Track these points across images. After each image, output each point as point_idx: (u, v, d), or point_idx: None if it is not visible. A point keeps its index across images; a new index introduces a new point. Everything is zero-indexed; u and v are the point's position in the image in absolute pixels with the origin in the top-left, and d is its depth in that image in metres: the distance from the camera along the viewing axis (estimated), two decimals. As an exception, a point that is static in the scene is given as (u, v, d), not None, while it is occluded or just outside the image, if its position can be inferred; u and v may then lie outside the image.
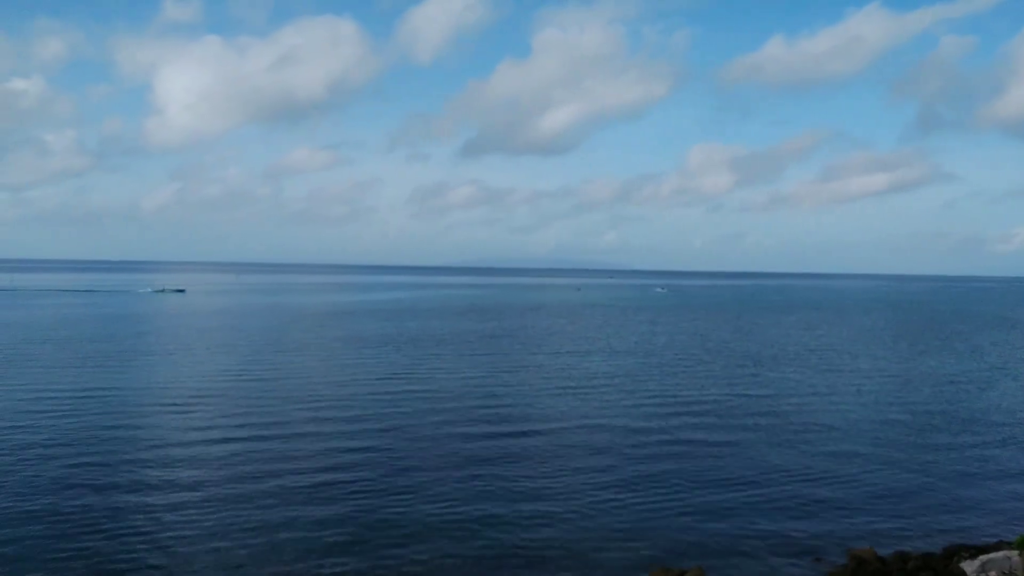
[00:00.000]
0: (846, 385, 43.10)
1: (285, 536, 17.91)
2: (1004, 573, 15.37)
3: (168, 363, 47.39)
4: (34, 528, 18.20)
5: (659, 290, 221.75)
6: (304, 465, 23.41)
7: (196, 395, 36.30)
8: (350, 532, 17.95)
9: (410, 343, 60.40)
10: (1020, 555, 15.71)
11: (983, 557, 16.27)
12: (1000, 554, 16.24)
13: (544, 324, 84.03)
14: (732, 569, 16.94)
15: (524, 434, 29.12)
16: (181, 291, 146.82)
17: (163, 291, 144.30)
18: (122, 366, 45.14)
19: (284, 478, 22.14)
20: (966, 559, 16.57)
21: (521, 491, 21.99)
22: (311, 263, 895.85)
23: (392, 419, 30.93)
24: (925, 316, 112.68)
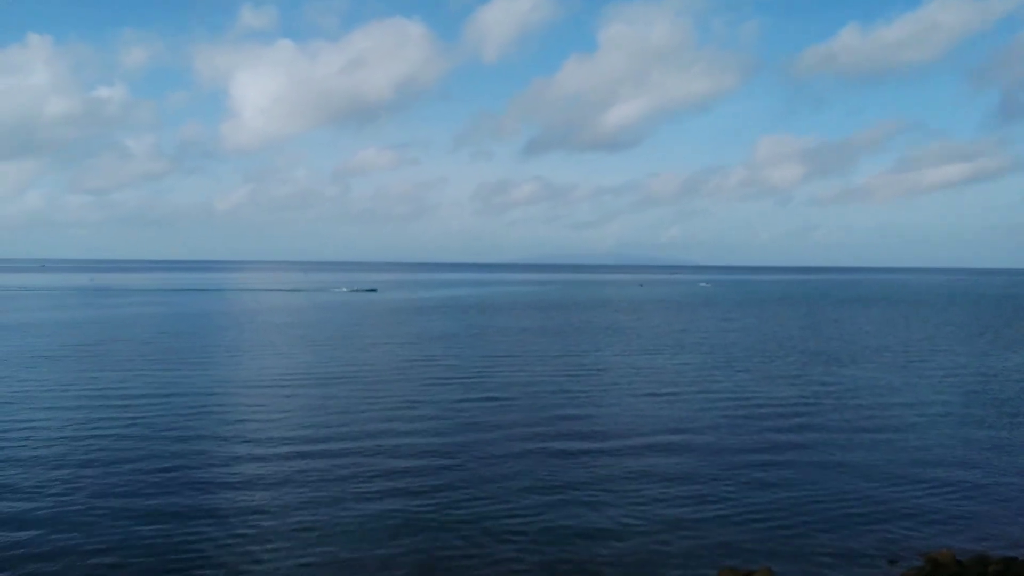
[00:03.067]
0: (924, 382, 41.65)
1: (346, 540, 18.18)
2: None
3: (238, 360, 48.82)
4: (118, 521, 19.00)
5: (703, 285, 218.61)
6: (367, 468, 23.48)
7: (260, 394, 37.31)
8: (413, 537, 17.96)
9: (476, 340, 60.86)
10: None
11: (1071, 563, 15.55)
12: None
13: (608, 320, 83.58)
14: (801, 570, 16.61)
15: (591, 432, 29.03)
16: (373, 290, 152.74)
17: (356, 290, 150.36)
18: (211, 360, 46.75)
19: (348, 482, 22.24)
20: (1052, 565, 15.87)
21: (586, 487, 21.94)
22: (376, 261, 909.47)
23: (459, 418, 30.98)
24: (1007, 311, 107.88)
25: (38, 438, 26.83)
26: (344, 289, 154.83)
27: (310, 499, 20.20)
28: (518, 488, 21.40)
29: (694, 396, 36.70)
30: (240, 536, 17.68)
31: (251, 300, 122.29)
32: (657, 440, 27.79)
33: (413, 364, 46.54)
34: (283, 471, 22.83)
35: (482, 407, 32.97)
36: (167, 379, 40.09)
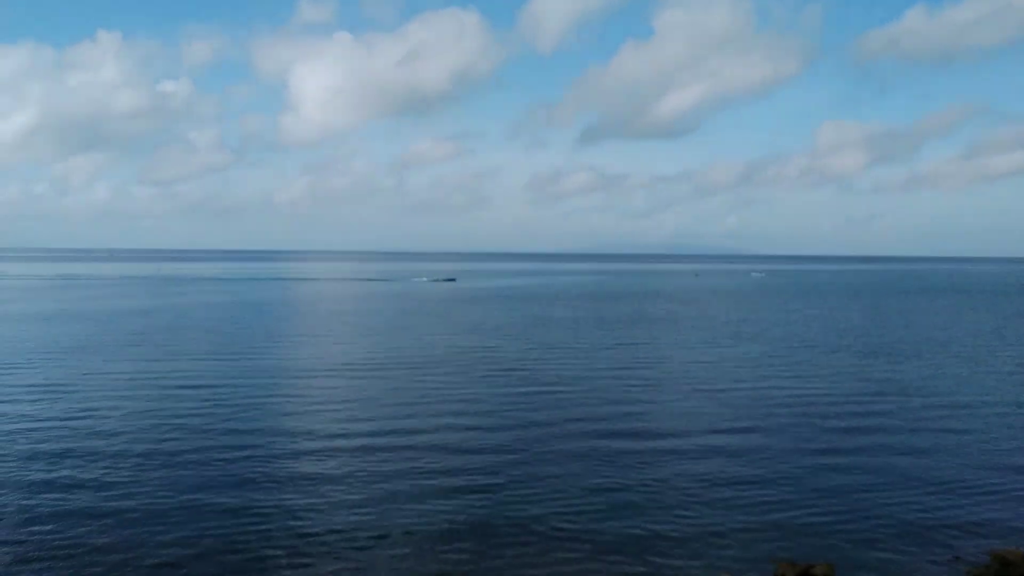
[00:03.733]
0: (993, 376, 40.30)
1: (401, 537, 18.42)
2: None
3: (303, 348, 49.97)
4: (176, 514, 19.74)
5: (756, 274, 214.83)
6: (423, 463, 23.46)
7: (321, 383, 38.12)
8: (469, 536, 17.97)
9: (532, 329, 61.07)
10: None
11: None
12: None
13: (664, 310, 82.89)
14: (863, 565, 16.37)
15: (648, 425, 28.95)
16: (452, 280, 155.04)
17: (436, 280, 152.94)
18: (276, 349, 48.04)
19: (404, 477, 22.30)
20: None
21: (642, 482, 21.90)
22: (431, 251, 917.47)
23: (515, 411, 30.91)
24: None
25: (104, 427, 27.92)
26: (424, 279, 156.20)
27: (366, 494, 20.26)
28: (574, 484, 21.25)
29: (753, 389, 36.23)
30: (297, 528, 17.95)
31: (329, 289, 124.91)
32: (715, 433, 27.57)
33: (470, 354, 46.96)
34: (340, 463, 23.06)
35: (538, 400, 32.94)
36: (231, 368, 41.32)
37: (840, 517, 19.15)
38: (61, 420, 28.11)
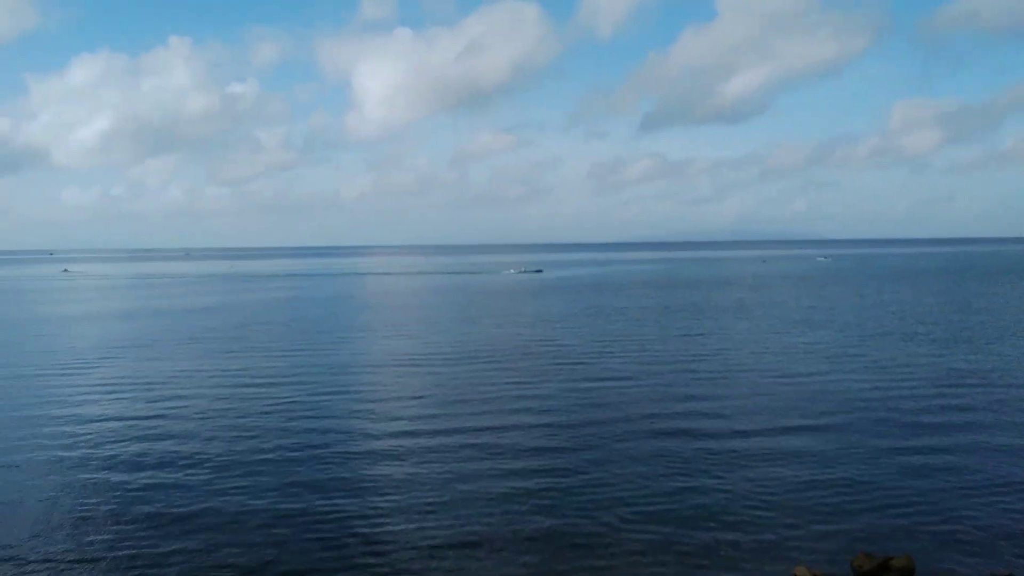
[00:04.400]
0: (1082, 362, 38.40)
1: (474, 521, 18.66)
2: None
3: (380, 339, 50.94)
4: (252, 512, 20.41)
5: (821, 259, 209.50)
6: (495, 449, 23.69)
7: (393, 372, 38.81)
8: (542, 520, 18.12)
9: (597, 319, 60.90)
10: None
11: None
12: None
13: (730, 297, 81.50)
14: (945, 558, 15.91)
15: (719, 414, 28.57)
16: (539, 271, 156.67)
17: (524, 271, 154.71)
18: (352, 340, 49.20)
19: (477, 462, 22.65)
20: None
21: (715, 470, 21.69)
22: (491, 243, 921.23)
23: (584, 399, 30.99)
24: None
25: (179, 426, 28.89)
26: (512, 271, 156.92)
27: (436, 495, 20.04)
28: (646, 485, 20.85)
29: (826, 380, 35.36)
30: (367, 529, 17.99)
31: (416, 284, 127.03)
32: (789, 422, 27.06)
33: (538, 343, 47.12)
34: (410, 463, 22.96)
35: (606, 389, 32.83)
36: (308, 363, 42.36)
37: (921, 508, 18.61)
38: (137, 418, 29.21)
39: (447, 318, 64.92)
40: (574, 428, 26.45)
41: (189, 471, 22.09)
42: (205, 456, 23.49)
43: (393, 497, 19.89)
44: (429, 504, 19.33)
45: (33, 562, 16.15)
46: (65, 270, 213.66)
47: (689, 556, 16.28)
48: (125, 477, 21.64)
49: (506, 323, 60.00)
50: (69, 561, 16.15)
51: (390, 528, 17.89)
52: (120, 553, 16.52)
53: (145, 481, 21.25)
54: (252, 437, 25.66)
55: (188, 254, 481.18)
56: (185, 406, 30.64)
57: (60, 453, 24.13)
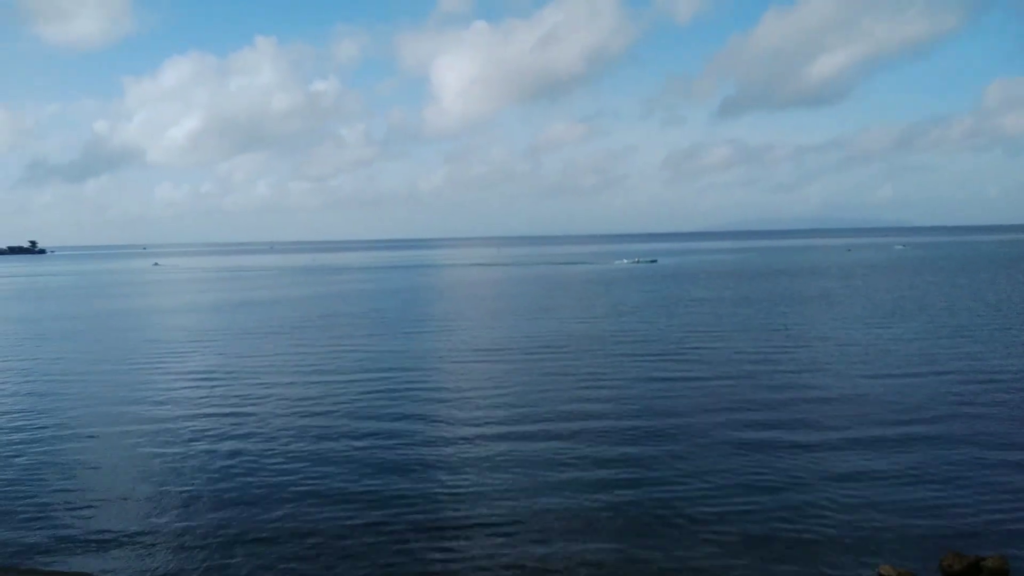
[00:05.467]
0: None
1: (544, 531, 18.63)
2: None
3: (444, 329, 51.60)
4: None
5: (898, 247, 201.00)
6: (566, 453, 23.14)
7: (467, 367, 39.20)
8: (615, 533, 17.89)
9: (675, 309, 60.11)
10: None
11: None
12: None
13: (814, 288, 79.06)
14: (1044, 561, 15.15)
15: (804, 411, 27.80)
16: (654, 261, 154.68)
17: (637, 262, 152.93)
18: (432, 332, 50.12)
19: (547, 468, 22.16)
20: None
21: (799, 470, 21.10)
22: (565, 234, 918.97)
23: (660, 398, 30.33)
24: None
25: (264, 412, 30.00)
26: (625, 261, 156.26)
27: (510, 483, 20.08)
28: (725, 480, 20.28)
29: (918, 369, 34.03)
30: (441, 517, 18.16)
31: (528, 274, 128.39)
32: (877, 417, 26.15)
33: (614, 335, 46.87)
34: (482, 452, 23.10)
35: (685, 386, 31.84)
36: (398, 351, 43.33)
37: (1018, 515, 17.69)
38: (222, 407, 30.45)
39: (524, 308, 65.14)
40: (651, 421, 26.13)
41: (267, 457, 22.93)
42: (283, 442, 24.31)
43: (463, 484, 20.09)
44: (495, 493, 19.41)
45: (131, 536, 17.13)
46: (156, 264, 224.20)
47: (770, 552, 15.98)
48: (208, 461, 22.65)
49: (581, 314, 59.82)
50: (156, 535, 17.08)
51: (458, 516, 18.01)
52: (195, 530, 17.35)
53: (225, 464, 22.20)
54: (331, 427, 26.34)
55: (272, 248, 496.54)
56: (267, 395, 31.78)
57: (151, 437, 25.44)
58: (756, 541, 16.56)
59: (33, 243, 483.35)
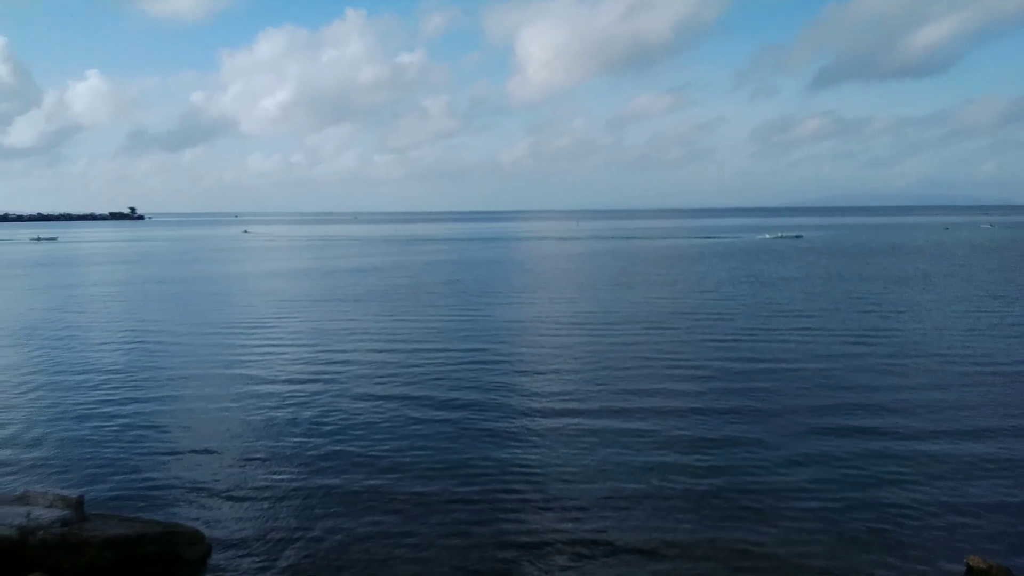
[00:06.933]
0: None
1: (625, 519, 18.38)
2: None
3: (529, 301, 51.76)
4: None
5: (984, 226, 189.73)
6: (647, 435, 22.59)
7: (555, 340, 39.19)
8: (699, 523, 17.43)
9: (760, 288, 58.60)
10: None
11: None
12: None
13: (913, 267, 75.58)
14: None
15: (894, 395, 26.79)
16: (799, 236, 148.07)
17: (780, 236, 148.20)
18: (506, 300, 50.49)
19: (626, 451, 22.04)
20: None
21: (886, 457, 20.40)
22: (648, 208, 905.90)
23: (743, 381, 29.22)
24: None
25: (344, 377, 30.81)
26: (767, 236, 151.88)
27: (585, 463, 19.78)
28: (808, 453, 19.87)
29: (1019, 356, 32.23)
30: (518, 494, 18.15)
31: (664, 247, 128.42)
32: (973, 406, 24.92)
33: (695, 314, 46.05)
34: (560, 427, 22.92)
35: (771, 367, 30.62)
36: (463, 322, 43.80)
37: None
38: (310, 372, 31.45)
39: (607, 282, 64.69)
40: (733, 402, 25.48)
41: (351, 426, 23.55)
42: (365, 411, 24.89)
43: (539, 461, 19.95)
44: (576, 471, 19.22)
45: (220, 496, 17.93)
46: (245, 231, 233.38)
47: (854, 541, 15.47)
48: (293, 426, 23.39)
49: (666, 289, 58.98)
50: (242, 498, 17.80)
51: (533, 494, 17.92)
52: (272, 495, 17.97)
53: (310, 430, 22.91)
54: (411, 396, 26.76)
55: (357, 218, 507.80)
56: (351, 361, 32.60)
57: (240, 399, 26.52)
58: (839, 530, 16.00)
59: (132, 209, 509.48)
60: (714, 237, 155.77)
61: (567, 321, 43.22)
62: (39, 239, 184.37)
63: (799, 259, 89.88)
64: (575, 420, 23.49)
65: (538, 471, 19.24)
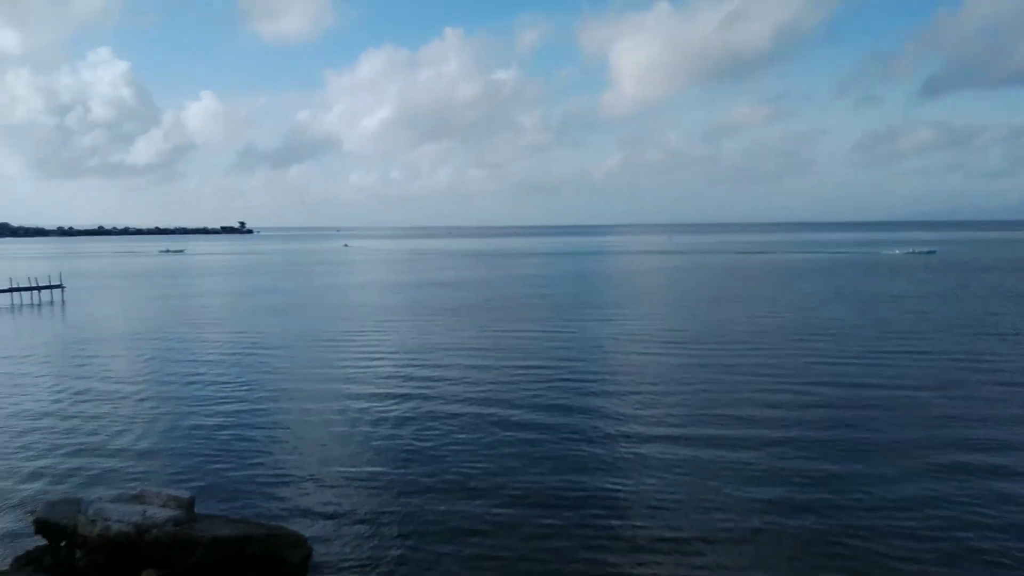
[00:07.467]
0: None
1: (725, 553, 17.71)
2: None
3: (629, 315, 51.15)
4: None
5: None
6: (751, 463, 21.45)
7: (650, 358, 38.47)
8: (791, 539, 16.86)
9: (868, 306, 56.00)
10: None
11: None
12: None
13: (1028, 287, 70.56)
14: None
15: (1013, 419, 25.09)
16: (932, 252, 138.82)
17: (912, 252, 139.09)
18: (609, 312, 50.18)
19: (730, 480, 21.21)
20: None
21: (1013, 502, 18.71)
22: (743, 222, 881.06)
23: (853, 407, 27.73)
24: None
25: (437, 386, 31.09)
26: (897, 251, 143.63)
27: (680, 494, 18.72)
28: (920, 510, 17.52)
29: None
30: (614, 517, 17.61)
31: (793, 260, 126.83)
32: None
33: (799, 332, 44.35)
34: (654, 454, 21.92)
35: (880, 393, 28.60)
36: (556, 338, 43.61)
37: None
38: (406, 387, 32.04)
39: (696, 299, 63.27)
40: (839, 432, 23.96)
41: (447, 444, 23.76)
42: (461, 430, 25.03)
43: (632, 490, 19.13)
44: (670, 503, 18.33)
45: (312, 482, 18.39)
46: (345, 245, 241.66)
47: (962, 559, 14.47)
48: (391, 444, 23.75)
49: (762, 307, 57.10)
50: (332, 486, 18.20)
51: (625, 524, 17.23)
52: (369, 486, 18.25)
53: (408, 449, 23.21)
54: (505, 416, 26.68)
55: (451, 232, 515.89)
56: (445, 377, 33.02)
57: (340, 413, 27.26)
58: (935, 548, 15.04)
59: (242, 223, 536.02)
60: (818, 252, 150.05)
61: (660, 339, 42.26)
62: (168, 251, 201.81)
63: (932, 275, 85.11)
64: (668, 448, 22.18)
65: (629, 503, 18.17)
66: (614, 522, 17.20)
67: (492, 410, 26.70)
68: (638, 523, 17.14)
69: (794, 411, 26.01)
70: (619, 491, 19.00)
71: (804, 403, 27.11)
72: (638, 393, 29.06)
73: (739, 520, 17.10)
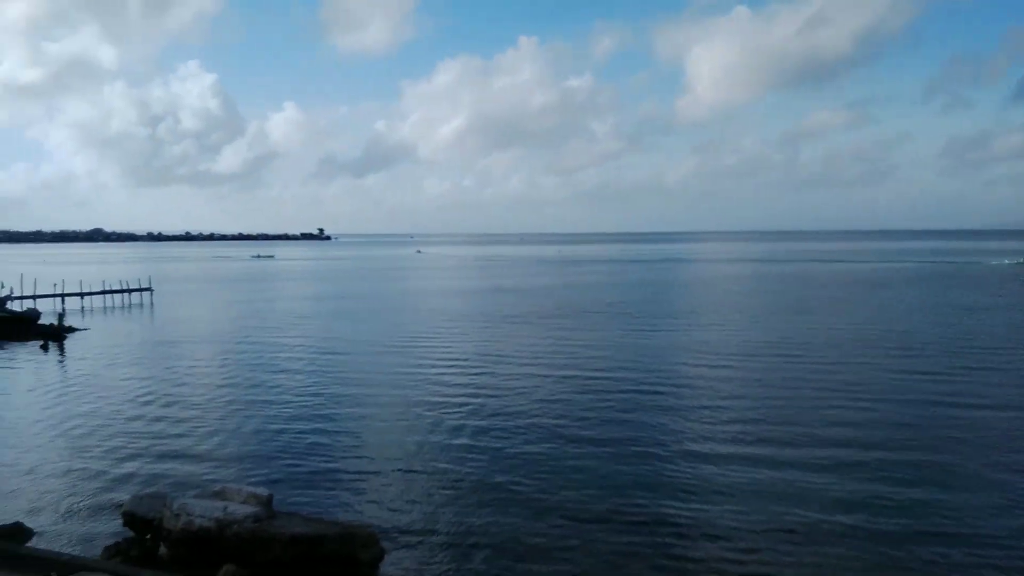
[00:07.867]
0: None
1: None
2: None
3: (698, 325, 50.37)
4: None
5: None
6: (825, 490, 20.19)
7: (723, 372, 37.78)
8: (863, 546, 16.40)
9: (950, 319, 53.63)
10: None
11: None
12: None
13: None
14: None
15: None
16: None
17: (1020, 262, 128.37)
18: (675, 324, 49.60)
19: (802, 505, 20.33)
20: None
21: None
22: (823, 229, 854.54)
23: (929, 419, 26.53)
24: None
25: (502, 395, 31.19)
26: (1006, 261, 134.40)
27: (748, 521, 17.62)
28: (1008, 547, 16.10)
29: None
30: (664, 548, 16.72)
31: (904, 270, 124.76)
32: None
33: (877, 346, 42.68)
34: (720, 476, 20.77)
35: (962, 413, 26.78)
36: (624, 348, 43.29)
37: None
38: (473, 395, 32.32)
39: (773, 309, 61.75)
40: (916, 455, 22.42)
41: (508, 457, 23.81)
42: (524, 443, 24.90)
43: (696, 514, 18.20)
44: (737, 530, 17.32)
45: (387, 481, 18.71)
46: (418, 251, 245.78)
47: None
48: (452, 454, 23.71)
49: (843, 318, 55.32)
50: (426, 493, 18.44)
51: (686, 551, 16.35)
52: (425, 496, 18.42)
53: (471, 461, 23.38)
54: (569, 429, 26.38)
55: (522, 239, 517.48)
56: (511, 387, 33.19)
57: (407, 419, 27.72)
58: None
59: (321, 230, 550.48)
60: (904, 261, 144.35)
61: (733, 350, 41.01)
62: (259, 256, 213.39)
63: None
64: (740, 469, 21.11)
65: (698, 528, 17.25)
66: (680, 545, 16.47)
67: (562, 422, 26.40)
68: (705, 550, 16.27)
69: (876, 430, 24.65)
70: (687, 514, 18.08)
71: (887, 421, 25.79)
72: (707, 408, 28.12)
73: (813, 549, 16.16)
